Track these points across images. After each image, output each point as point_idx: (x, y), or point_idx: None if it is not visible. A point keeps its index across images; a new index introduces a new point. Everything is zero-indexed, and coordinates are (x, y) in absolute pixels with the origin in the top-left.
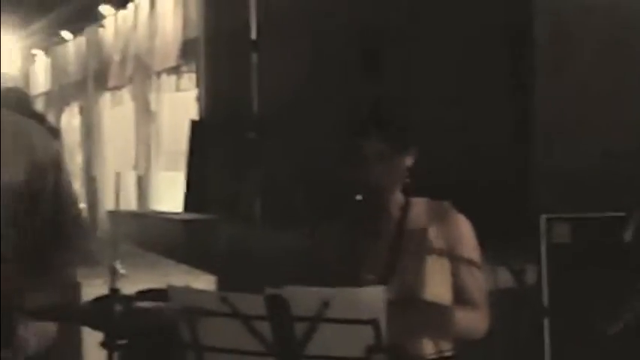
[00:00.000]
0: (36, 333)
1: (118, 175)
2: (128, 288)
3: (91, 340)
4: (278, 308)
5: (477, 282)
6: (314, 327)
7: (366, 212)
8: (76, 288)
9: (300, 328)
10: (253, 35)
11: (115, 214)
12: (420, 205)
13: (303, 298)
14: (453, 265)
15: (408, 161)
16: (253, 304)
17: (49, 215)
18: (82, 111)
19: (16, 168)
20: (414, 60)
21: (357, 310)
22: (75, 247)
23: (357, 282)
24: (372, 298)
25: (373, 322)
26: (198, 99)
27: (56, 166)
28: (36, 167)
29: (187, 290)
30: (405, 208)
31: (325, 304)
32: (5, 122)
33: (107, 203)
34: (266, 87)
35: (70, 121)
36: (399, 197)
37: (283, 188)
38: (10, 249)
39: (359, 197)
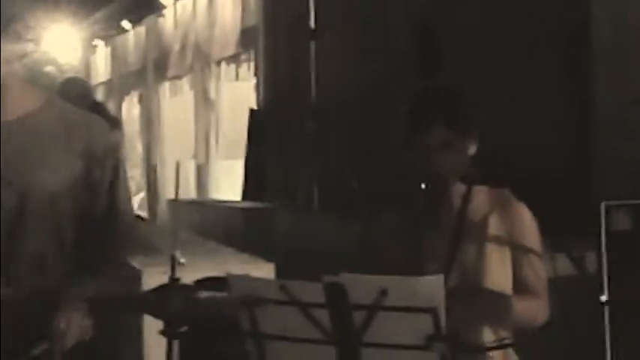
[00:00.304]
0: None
1: (177, 164)
2: (187, 276)
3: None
4: (336, 296)
5: (538, 271)
6: (372, 315)
7: (427, 201)
8: (136, 276)
9: (358, 316)
10: (312, 24)
11: (175, 203)
12: (481, 194)
13: (361, 285)
14: (514, 254)
15: (471, 150)
16: (312, 291)
17: (107, 205)
18: (141, 100)
19: (75, 159)
20: (475, 51)
21: (416, 299)
22: (135, 237)
23: (417, 270)
24: (432, 286)
25: (432, 311)
26: (257, 88)
27: (114, 157)
28: (94, 158)
29: (246, 278)
30: (467, 197)
31: (383, 292)
32: (65, 113)
33: (167, 192)
34: (325, 76)
35: (130, 110)
36: (460, 186)
37: (342, 177)
38: (69, 240)
39: (423, 186)
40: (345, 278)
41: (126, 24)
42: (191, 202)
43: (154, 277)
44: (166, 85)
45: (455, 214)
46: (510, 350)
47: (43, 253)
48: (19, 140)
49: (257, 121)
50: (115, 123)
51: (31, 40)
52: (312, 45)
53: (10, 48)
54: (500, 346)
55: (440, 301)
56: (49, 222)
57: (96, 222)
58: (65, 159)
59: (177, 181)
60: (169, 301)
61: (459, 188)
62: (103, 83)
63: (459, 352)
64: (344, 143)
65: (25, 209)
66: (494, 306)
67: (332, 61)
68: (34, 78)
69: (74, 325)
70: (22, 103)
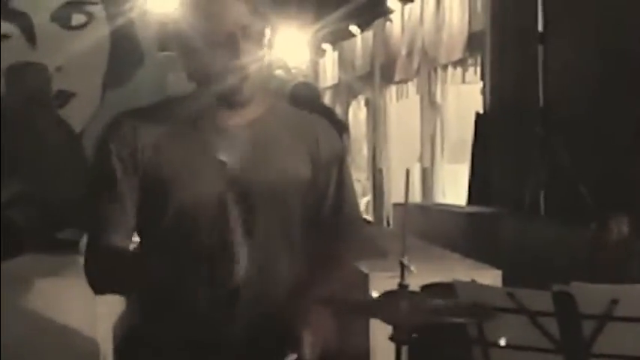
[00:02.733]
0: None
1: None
2: (413, 281)
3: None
4: (565, 305)
5: None
6: (602, 325)
7: None
8: (364, 280)
9: (587, 325)
10: (540, 27)
11: (401, 207)
12: None
13: (590, 294)
14: None
15: None
16: (540, 300)
17: (334, 208)
18: (368, 104)
19: (301, 162)
20: None
21: None
22: (362, 240)
23: None
24: None
25: None
26: (483, 91)
27: (340, 160)
28: (320, 162)
29: (473, 285)
30: None
31: (614, 302)
32: (290, 117)
33: (392, 195)
34: (552, 80)
35: (357, 113)
36: None
37: (568, 182)
38: (297, 242)
39: None
40: (575, 287)
41: (354, 28)
42: (416, 206)
43: (380, 282)
44: (392, 89)
45: None
46: None
47: (272, 255)
48: (248, 143)
49: (483, 124)
50: (343, 127)
51: (267, 44)
52: (540, 48)
53: (255, 51)
54: None
55: None
56: (276, 223)
57: (322, 225)
58: (291, 161)
59: (407, 186)
60: (399, 306)
61: None
62: (330, 87)
63: None
64: (572, 147)
65: (255, 209)
66: None
67: (560, 64)
68: (265, 81)
69: (322, 332)
70: (257, 108)
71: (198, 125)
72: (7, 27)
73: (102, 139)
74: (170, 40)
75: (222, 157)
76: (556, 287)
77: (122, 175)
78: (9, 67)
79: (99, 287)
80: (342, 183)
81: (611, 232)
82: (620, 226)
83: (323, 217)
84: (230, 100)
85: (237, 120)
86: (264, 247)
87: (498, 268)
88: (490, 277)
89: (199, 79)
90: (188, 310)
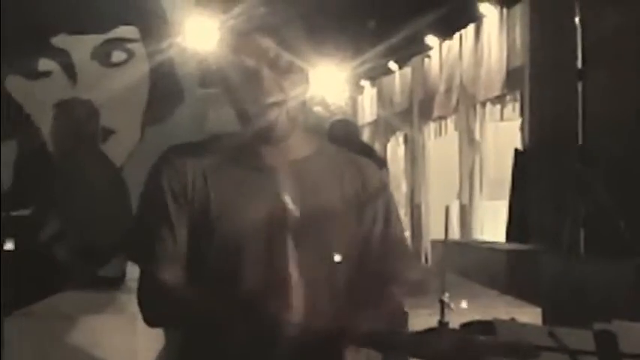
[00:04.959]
0: None
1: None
2: (453, 318)
3: None
4: (607, 344)
5: None
6: None
7: None
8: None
9: None
10: (579, 64)
11: (439, 244)
12: None
13: (632, 333)
14: None
15: None
16: (581, 338)
17: (380, 247)
18: (406, 140)
19: (349, 200)
20: None
21: None
22: (404, 278)
23: None
24: None
25: None
26: (522, 128)
27: (385, 194)
28: (366, 198)
29: (513, 324)
30: None
31: None
32: (336, 158)
33: (431, 232)
34: (591, 117)
35: (395, 150)
36: None
37: (608, 219)
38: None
39: None
40: (617, 326)
41: (392, 65)
42: (455, 243)
43: (419, 319)
44: (431, 126)
45: None
46: None
47: (320, 296)
48: (298, 182)
49: (522, 161)
50: (382, 163)
51: (305, 81)
52: (579, 85)
53: (293, 88)
54: None
55: None
56: (323, 263)
57: (369, 263)
58: (337, 202)
59: (446, 223)
60: (438, 344)
61: None
62: (369, 123)
63: None
64: (611, 184)
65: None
66: None
67: (599, 100)
68: (305, 118)
69: None
70: (300, 146)
71: (245, 161)
72: (48, 64)
73: (153, 172)
74: (211, 76)
75: (268, 194)
76: (597, 325)
77: (174, 207)
78: (58, 103)
79: (156, 321)
80: (390, 215)
81: None
82: None
83: (372, 252)
84: (266, 136)
85: (280, 158)
86: (312, 287)
87: (538, 305)
88: (530, 315)
89: (240, 114)
90: (232, 347)
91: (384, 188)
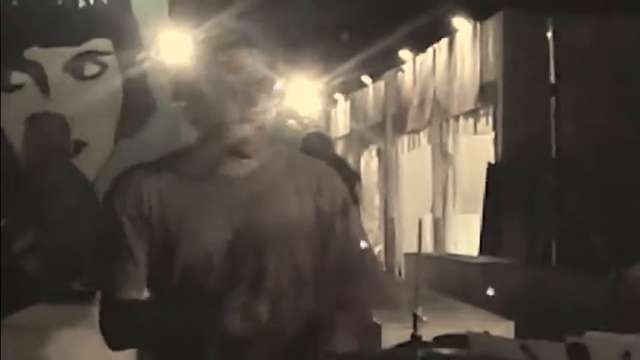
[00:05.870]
0: None
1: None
2: (426, 331)
3: None
4: (579, 356)
5: None
6: None
7: None
8: (375, 331)
9: None
10: (552, 78)
11: (412, 257)
12: None
13: (604, 345)
14: None
15: None
16: (553, 352)
17: (341, 258)
18: (379, 153)
19: (307, 208)
20: None
21: None
22: (372, 289)
23: None
24: None
25: None
26: (496, 142)
27: (348, 207)
28: (327, 208)
29: (486, 337)
30: None
31: (627, 354)
32: (293, 165)
33: (404, 245)
34: (564, 131)
35: (369, 163)
36: None
37: (580, 232)
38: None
39: None
40: (589, 338)
41: (366, 78)
42: (428, 256)
43: (391, 332)
44: (404, 139)
45: None
46: None
47: (281, 303)
48: (252, 192)
49: (495, 175)
50: (355, 176)
51: (279, 95)
52: (552, 99)
53: (267, 101)
54: None
55: None
56: (284, 269)
57: (331, 274)
58: (295, 207)
59: (419, 236)
60: (412, 358)
61: None
62: (342, 137)
63: None
64: (584, 197)
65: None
66: None
67: (572, 114)
68: (277, 131)
69: None
70: (259, 156)
71: (202, 176)
72: (21, 77)
73: (108, 195)
74: (182, 89)
75: (228, 207)
76: (569, 338)
77: (130, 230)
78: (30, 116)
79: (116, 344)
80: (348, 229)
81: (634, 281)
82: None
83: (330, 263)
84: (237, 151)
85: (241, 170)
86: (273, 295)
87: (510, 319)
88: (503, 328)
89: (207, 129)
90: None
91: (345, 196)
